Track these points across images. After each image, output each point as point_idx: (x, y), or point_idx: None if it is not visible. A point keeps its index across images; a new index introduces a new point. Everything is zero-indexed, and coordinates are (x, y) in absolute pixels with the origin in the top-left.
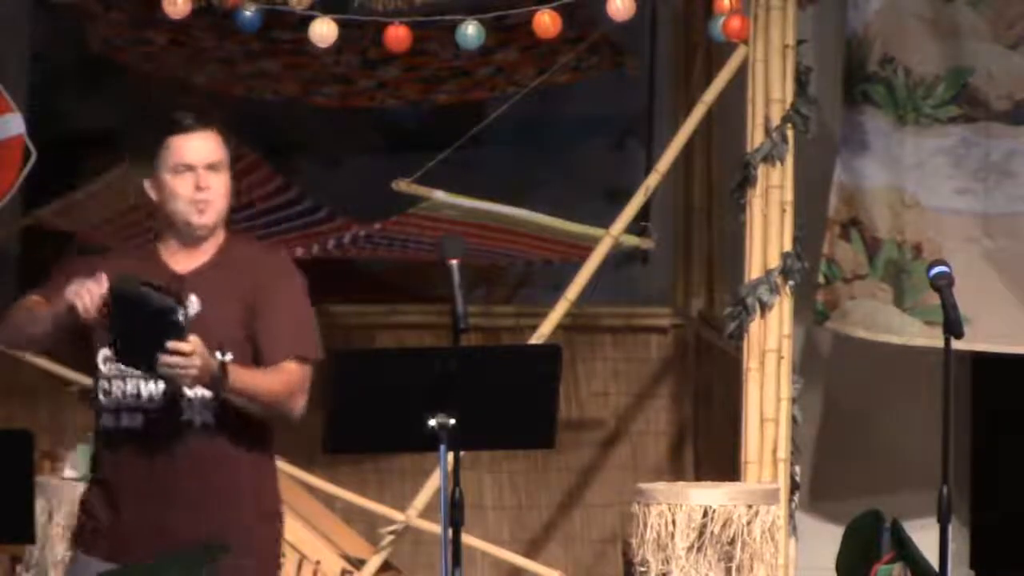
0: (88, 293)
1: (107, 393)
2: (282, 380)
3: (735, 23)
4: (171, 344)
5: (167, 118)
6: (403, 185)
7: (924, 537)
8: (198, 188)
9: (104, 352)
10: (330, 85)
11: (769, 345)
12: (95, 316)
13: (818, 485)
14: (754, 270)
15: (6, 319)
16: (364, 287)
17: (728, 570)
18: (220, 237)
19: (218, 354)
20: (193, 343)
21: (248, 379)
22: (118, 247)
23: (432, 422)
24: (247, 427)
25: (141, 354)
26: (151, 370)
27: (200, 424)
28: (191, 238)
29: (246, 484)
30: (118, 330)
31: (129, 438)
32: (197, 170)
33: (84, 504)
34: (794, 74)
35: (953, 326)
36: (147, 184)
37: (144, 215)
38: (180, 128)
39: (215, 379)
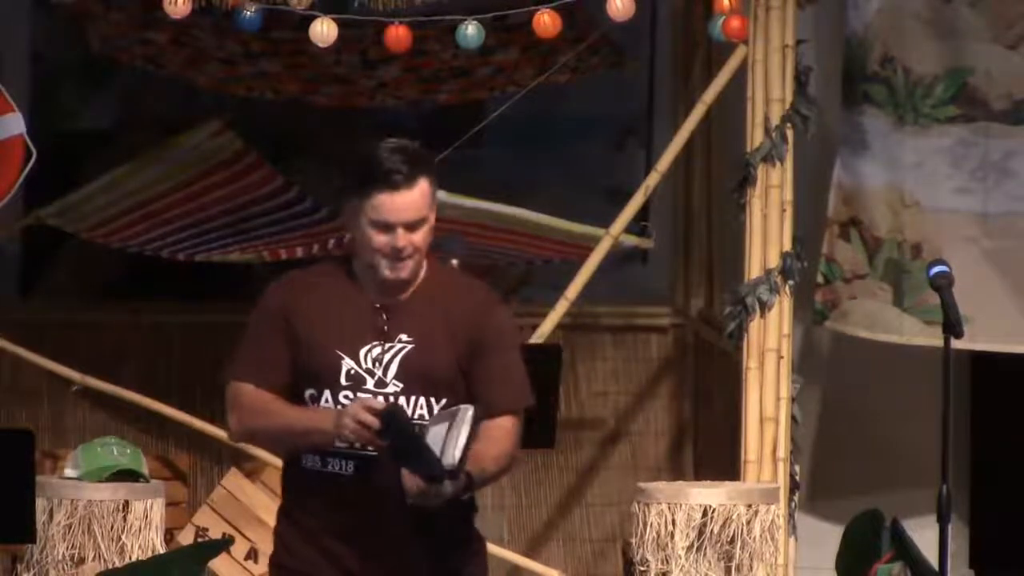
0: (365, 423)
1: None
2: (504, 450)
3: (735, 23)
4: (426, 486)
5: (379, 167)
6: None
7: (924, 536)
8: (394, 248)
9: (311, 392)
10: (330, 85)
11: (769, 345)
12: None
13: (818, 484)
14: (754, 270)
15: (243, 418)
16: None
17: (728, 570)
18: (422, 266)
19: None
20: (445, 495)
21: (482, 475)
22: (311, 271)
23: None
24: None
25: (393, 456)
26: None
27: None
28: (378, 280)
29: (462, 522)
30: (384, 447)
31: (337, 482)
32: (396, 230)
33: (283, 540)
34: (794, 74)
35: (953, 326)
36: (346, 208)
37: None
38: (388, 185)
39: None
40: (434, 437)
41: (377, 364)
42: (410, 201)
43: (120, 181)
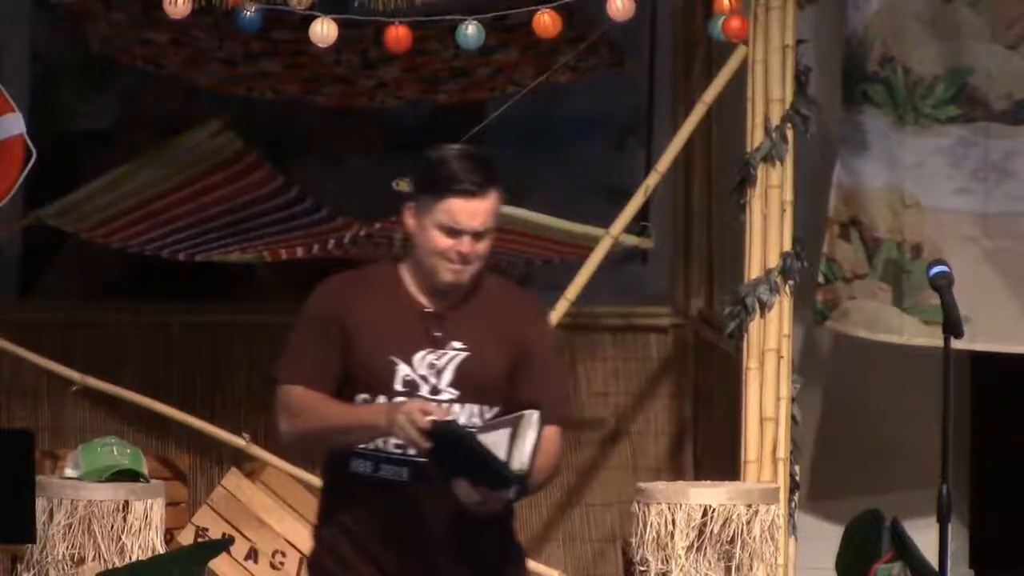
0: (418, 427)
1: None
2: (551, 460)
3: (735, 23)
4: (487, 493)
5: (455, 172)
6: (403, 185)
7: (924, 536)
8: (459, 253)
9: (364, 396)
10: (330, 85)
11: (769, 345)
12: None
13: (818, 484)
14: (754, 270)
15: (294, 421)
16: None
17: (728, 570)
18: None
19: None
20: (505, 500)
21: (533, 484)
22: (360, 273)
23: None
24: None
25: (446, 471)
26: (446, 482)
27: None
28: (436, 283)
29: (509, 531)
30: (437, 461)
31: (389, 488)
32: (464, 236)
33: (327, 543)
34: (794, 74)
35: (953, 326)
36: (408, 208)
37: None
38: (462, 192)
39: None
40: (494, 443)
41: (431, 370)
42: (482, 209)
43: (120, 181)
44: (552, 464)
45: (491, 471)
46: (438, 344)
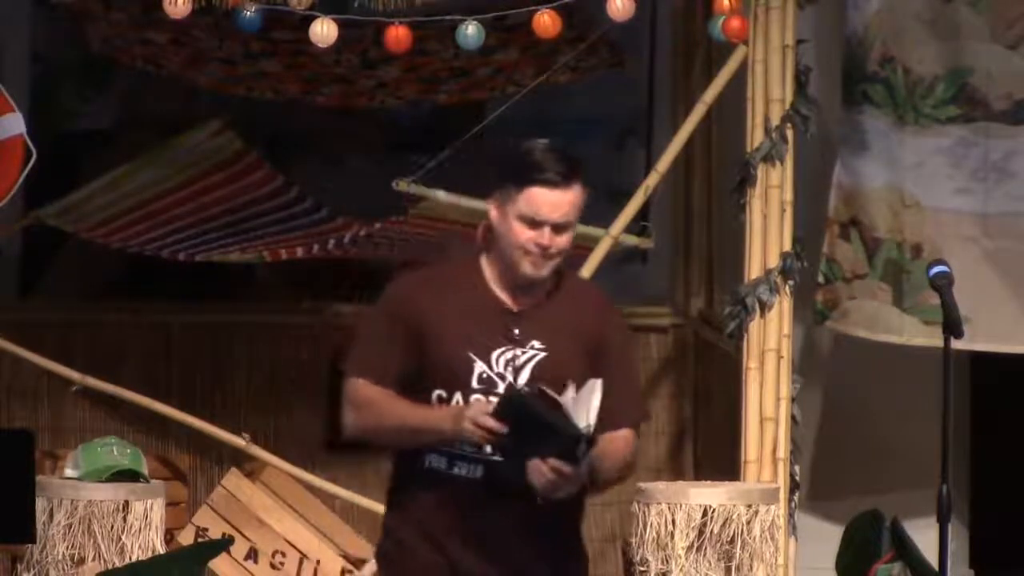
0: (487, 428)
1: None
2: (625, 458)
3: (735, 23)
4: (555, 463)
5: (539, 163)
6: (403, 185)
7: (924, 536)
8: (539, 245)
9: (440, 392)
10: (330, 85)
11: (769, 345)
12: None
13: (818, 485)
14: (754, 270)
15: (360, 415)
16: (363, 286)
17: (728, 570)
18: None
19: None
20: (578, 474)
21: (605, 475)
22: (439, 269)
23: None
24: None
25: (518, 464)
26: (520, 477)
27: None
28: (517, 277)
29: (576, 534)
30: (505, 442)
31: (462, 485)
32: (545, 227)
33: (396, 536)
34: (794, 74)
35: (953, 326)
36: (492, 202)
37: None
38: (544, 181)
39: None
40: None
41: (509, 368)
42: (565, 200)
43: (120, 181)
44: (627, 466)
45: (559, 433)
46: (517, 343)
